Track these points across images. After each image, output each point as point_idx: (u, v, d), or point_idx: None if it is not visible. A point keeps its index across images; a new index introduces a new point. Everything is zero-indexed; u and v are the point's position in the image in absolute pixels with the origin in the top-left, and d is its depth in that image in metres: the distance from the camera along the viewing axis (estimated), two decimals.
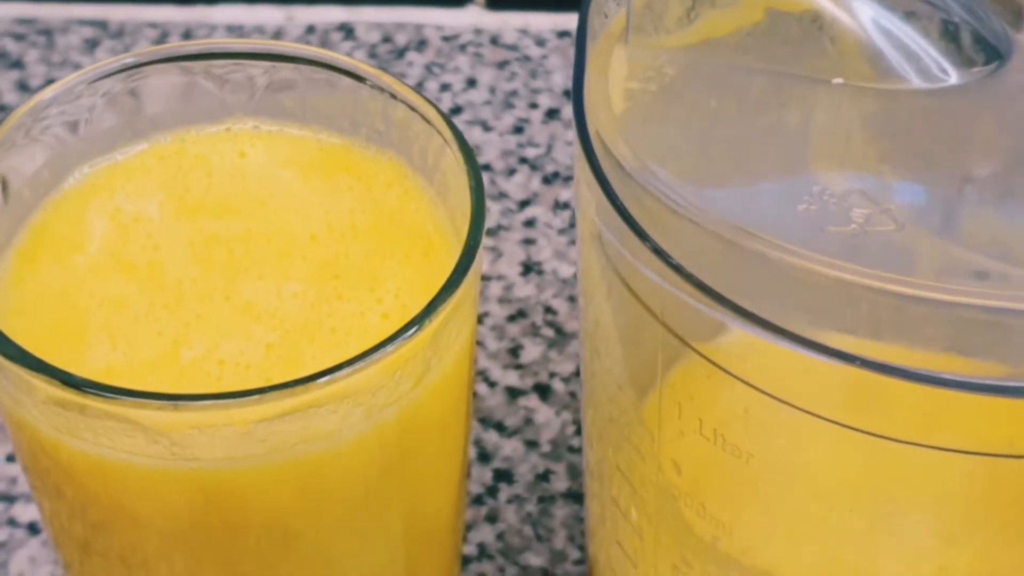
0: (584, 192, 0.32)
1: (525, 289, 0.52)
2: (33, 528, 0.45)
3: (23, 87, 0.58)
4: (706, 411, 0.31)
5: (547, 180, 0.55)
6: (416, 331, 0.28)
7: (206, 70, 0.33)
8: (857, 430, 0.29)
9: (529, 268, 0.52)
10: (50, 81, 0.58)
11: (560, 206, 0.54)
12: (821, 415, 0.29)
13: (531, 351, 0.50)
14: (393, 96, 0.32)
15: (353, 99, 0.33)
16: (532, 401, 0.49)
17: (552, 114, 0.57)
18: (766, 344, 0.29)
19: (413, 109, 0.32)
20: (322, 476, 0.29)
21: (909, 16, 0.31)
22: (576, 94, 0.31)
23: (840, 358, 0.28)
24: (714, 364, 0.30)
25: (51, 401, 0.28)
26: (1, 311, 0.30)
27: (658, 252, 0.29)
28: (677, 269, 0.29)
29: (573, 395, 0.49)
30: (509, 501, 0.46)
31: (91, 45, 0.60)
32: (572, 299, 0.51)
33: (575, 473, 0.47)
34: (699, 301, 0.29)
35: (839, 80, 0.31)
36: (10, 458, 0.47)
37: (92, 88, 0.32)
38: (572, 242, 0.53)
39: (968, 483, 0.30)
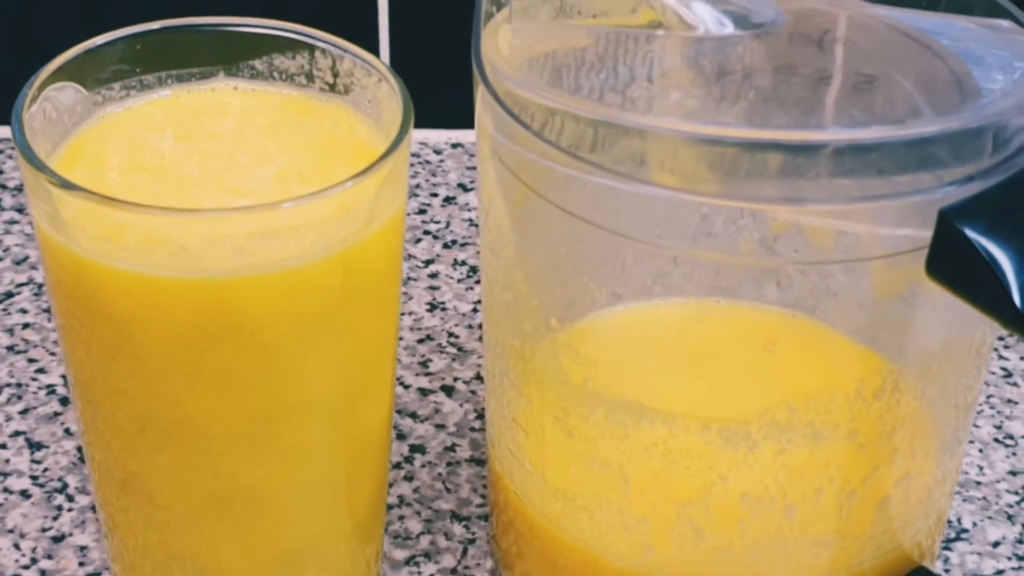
0: (483, 115, 0.44)
1: (432, 321, 0.63)
2: (24, 494, 0.55)
3: (3, 186, 0.69)
4: (568, 262, 0.43)
5: (447, 246, 0.67)
6: (361, 178, 0.39)
7: (198, 43, 0.44)
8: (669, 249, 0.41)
9: (434, 306, 0.63)
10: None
11: (458, 263, 0.66)
12: (659, 244, 0.41)
13: (438, 363, 0.61)
14: (342, 51, 0.44)
15: (309, 58, 0.44)
16: (440, 397, 0.59)
17: (449, 200, 0.69)
18: (618, 192, 0.40)
19: (356, 57, 0.44)
20: (297, 289, 0.40)
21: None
22: (475, 46, 0.44)
23: (662, 187, 0.40)
24: (578, 218, 0.41)
25: (98, 226, 0.38)
26: None
27: (538, 135, 0.41)
28: (550, 142, 0.41)
29: (474, 392, 0.59)
30: (423, 466, 0.56)
31: None
32: (470, 327, 0.63)
33: (476, 446, 0.57)
34: (564, 164, 0.41)
35: (661, 31, 0.44)
36: (2, 445, 0.56)
37: (115, 50, 0.44)
38: (469, 288, 0.64)
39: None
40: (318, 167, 0.43)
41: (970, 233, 0.38)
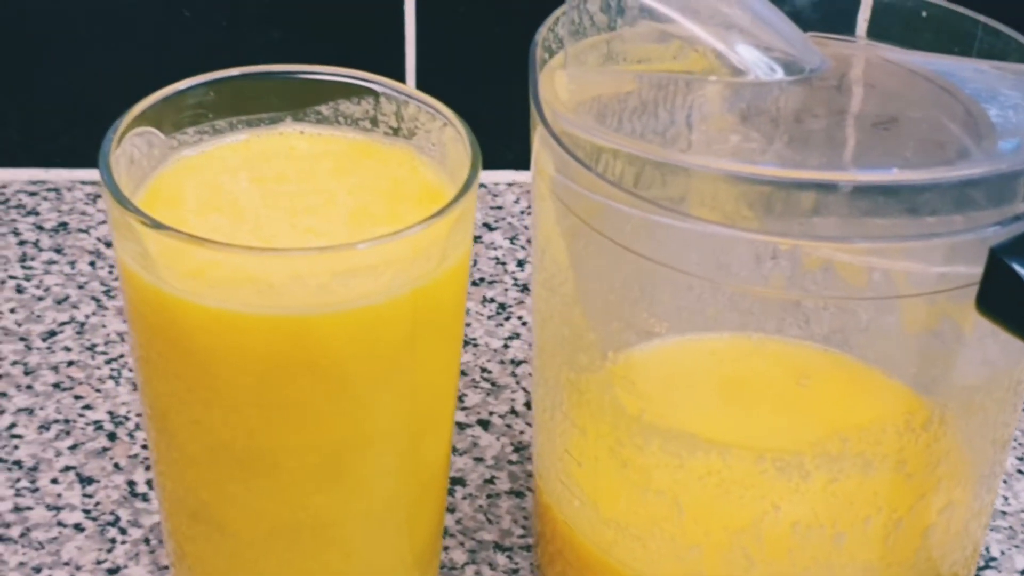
0: (541, 156, 0.46)
1: (465, 357, 0.64)
2: (78, 527, 0.56)
3: (40, 227, 0.71)
4: (626, 296, 0.44)
5: (475, 283, 0.69)
6: (437, 219, 0.41)
7: (268, 90, 0.46)
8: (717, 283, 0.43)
9: (467, 342, 0.65)
10: (62, 224, 0.70)
11: (487, 300, 0.67)
12: (706, 277, 0.43)
13: (473, 398, 0.62)
14: (407, 97, 0.46)
15: (374, 104, 0.46)
16: (477, 431, 0.61)
17: (475, 239, 0.71)
18: (675, 228, 0.42)
19: (420, 102, 0.46)
20: (374, 325, 0.41)
21: (755, 44, 0.47)
22: (532, 90, 0.45)
23: (721, 226, 0.42)
24: (636, 254, 0.43)
25: (185, 264, 0.40)
26: None
27: (600, 176, 0.43)
28: (612, 183, 0.43)
29: (509, 426, 0.61)
30: (464, 498, 0.58)
31: (93, 199, 0.73)
32: (502, 362, 0.64)
33: (515, 478, 0.59)
34: (626, 203, 0.42)
35: (714, 78, 0.46)
36: (54, 480, 0.58)
37: (190, 97, 0.45)
38: (499, 325, 0.66)
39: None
40: (387, 208, 0.44)
41: (1020, 269, 0.40)
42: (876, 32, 0.50)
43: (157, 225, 0.40)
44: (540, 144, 0.45)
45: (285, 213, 0.44)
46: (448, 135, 0.45)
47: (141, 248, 0.41)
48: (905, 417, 0.45)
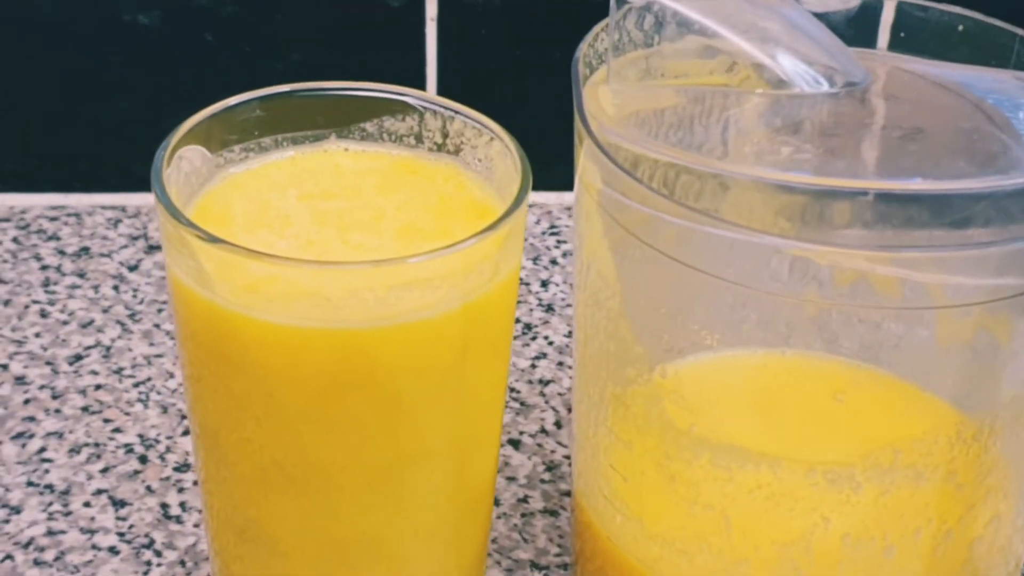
0: (588, 171, 0.46)
1: None
2: (112, 550, 0.56)
3: (62, 252, 0.71)
4: (676, 309, 0.44)
5: None
6: (489, 233, 0.41)
7: (312, 107, 0.46)
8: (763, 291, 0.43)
9: None
10: (84, 248, 0.70)
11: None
12: (758, 288, 0.43)
13: (503, 418, 0.62)
14: (452, 112, 0.46)
15: (419, 120, 0.46)
16: (508, 451, 0.61)
17: None
18: (725, 240, 0.42)
19: (466, 117, 0.46)
20: (428, 338, 0.41)
21: (798, 57, 0.47)
22: (579, 108, 0.46)
23: (771, 236, 0.42)
24: (687, 266, 0.43)
25: (242, 278, 0.40)
26: None
27: (652, 189, 0.43)
28: (665, 196, 0.43)
29: (540, 445, 0.61)
30: (498, 517, 0.58)
31: (114, 223, 0.73)
32: (530, 382, 0.64)
33: (548, 497, 0.59)
34: (671, 213, 0.43)
35: (760, 90, 0.46)
36: (86, 503, 0.57)
37: (236, 114, 0.45)
38: (525, 345, 0.66)
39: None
40: (435, 224, 0.44)
41: None
42: (912, 46, 0.50)
43: (213, 239, 0.40)
44: (586, 158, 0.45)
45: (335, 229, 0.44)
46: (495, 150, 0.45)
47: (196, 263, 0.41)
48: (956, 428, 0.45)
